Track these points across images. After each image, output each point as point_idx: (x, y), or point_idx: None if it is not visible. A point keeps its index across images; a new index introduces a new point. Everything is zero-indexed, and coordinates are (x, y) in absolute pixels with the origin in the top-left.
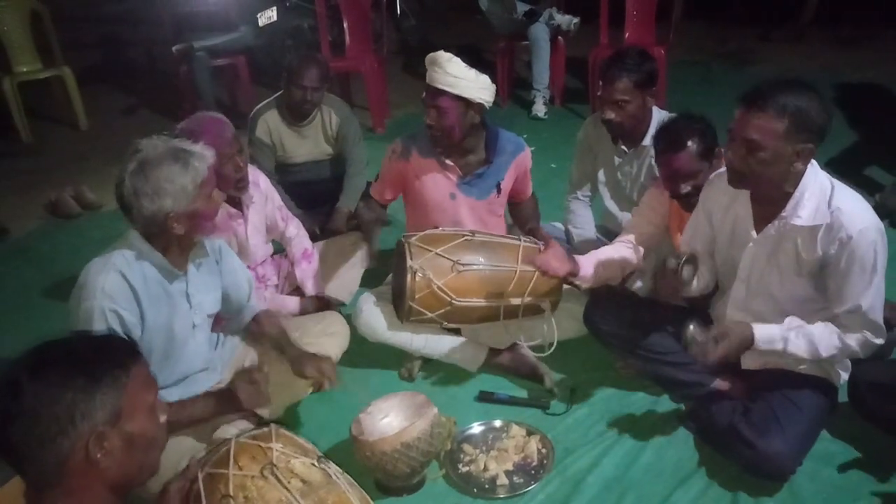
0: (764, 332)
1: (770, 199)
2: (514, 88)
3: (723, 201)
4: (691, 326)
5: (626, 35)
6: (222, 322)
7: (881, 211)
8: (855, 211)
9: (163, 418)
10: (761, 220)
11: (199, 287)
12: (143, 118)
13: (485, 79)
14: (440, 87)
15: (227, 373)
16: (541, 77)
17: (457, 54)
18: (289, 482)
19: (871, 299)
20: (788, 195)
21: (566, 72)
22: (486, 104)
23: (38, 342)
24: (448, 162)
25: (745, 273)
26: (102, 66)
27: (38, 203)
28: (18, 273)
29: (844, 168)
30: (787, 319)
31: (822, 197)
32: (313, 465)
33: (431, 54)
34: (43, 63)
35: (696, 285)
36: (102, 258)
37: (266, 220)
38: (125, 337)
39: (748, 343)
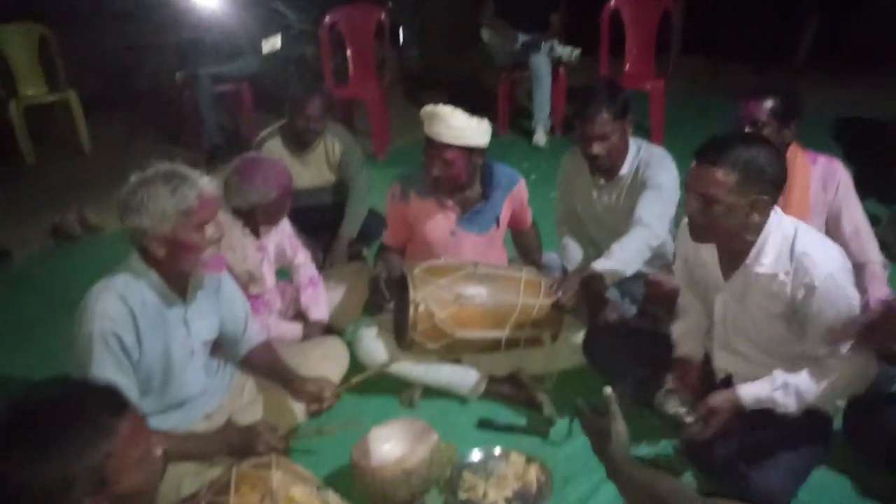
0: (750, 395)
1: (733, 248)
2: (514, 117)
3: (691, 248)
4: (677, 410)
5: (627, 67)
6: (219, 349)
7: (879, 244)
8: (818, 256)
9: (158, 452)
10: (728, 268)
11: (197, 313)
12: (146, 143)
13: (484, 123)
14: (446, 141)
15: (226, 398)
16: (542, 107)
17: (453, 97)
18: None
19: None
20: (751, 243)
21: (567, 102)
22: (486, 146)
23: (36, 371)
24: (447, 201)
25: (720, 318)
26: (106, 91)
27: (41, 227)
28: (20, 297)
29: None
30: (775, 374)
31: (784, 243)
32: (312, 493)
33: (429, 108)
34: (49, 88)
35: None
36: (104, 281)
37: (276, 250)
38: (114, 388)
39: (739, 408)
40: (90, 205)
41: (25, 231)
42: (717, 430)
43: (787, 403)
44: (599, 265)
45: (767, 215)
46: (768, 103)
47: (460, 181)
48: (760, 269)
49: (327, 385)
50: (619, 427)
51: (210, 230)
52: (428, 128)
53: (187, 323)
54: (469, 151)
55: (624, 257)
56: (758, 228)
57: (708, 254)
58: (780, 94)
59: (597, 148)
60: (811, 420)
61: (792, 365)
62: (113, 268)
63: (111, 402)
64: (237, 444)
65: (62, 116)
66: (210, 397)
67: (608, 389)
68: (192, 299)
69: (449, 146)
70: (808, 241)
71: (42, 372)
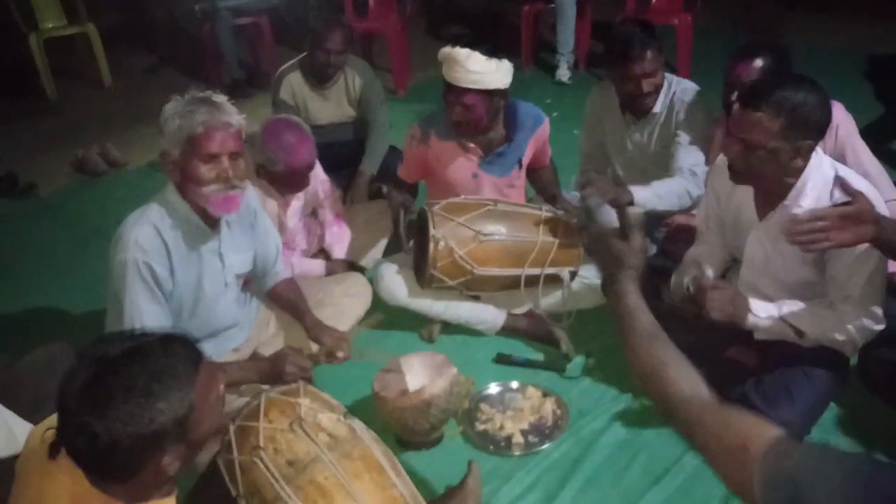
0: (761, 306)
1: (771, 189)
2: (537, 52)
3: (726, 186)
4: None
5: (654, 1)
6: (250, 283)
7: None
8: None
9: (223, 390)
10: (764, 207)
11: (232, 247)
12: (166, 77)
13: (505, 64)
14: (464, 85)
15: (253, 330)
16: (566, 41)
17: (474, 31)
18: (316, 436)
19: (868, 287)
20: (791, 185)
21: (591, 37)
22: (508, 87)
23: (63, 301)
24: (469, 144)
25: (749, 257)
26: (126, 24)
27: (64, 160)
28: (46, 230)
29: (870, 142)
30: (783, 302)
31: (825, 186)
32: (339, 420)
33: (446, 50)
34: (68, 20)
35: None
36: (138, 211)
37: (307, 196)
38: (186, 336)
39: (741, 307)
40: (112, 139)
41: (49, 165)
42: (705, 306)
43: (794, 314)
44: (637, 190)
45: (809, 159)
46: (758, 63)
47: (481, 125)
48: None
49: (343, 342)
50: (637, 258)
51: (214, 167)
52: (446, 72)
53: (222, 256)
54: (489, 94)
55: (662, 192)
56: (799, 171)
57: (744, 193)
58: (770, 54)
59: (647, 86)
60: (827, 359)
61: None
62: (137, 202)
63: (190, 352)
64: (266, 369)
65: (82, 50)
66: (239, 330)
67: (636, 209)
68: (225, 232)
69: (468, 90)
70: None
71: (69, 302)
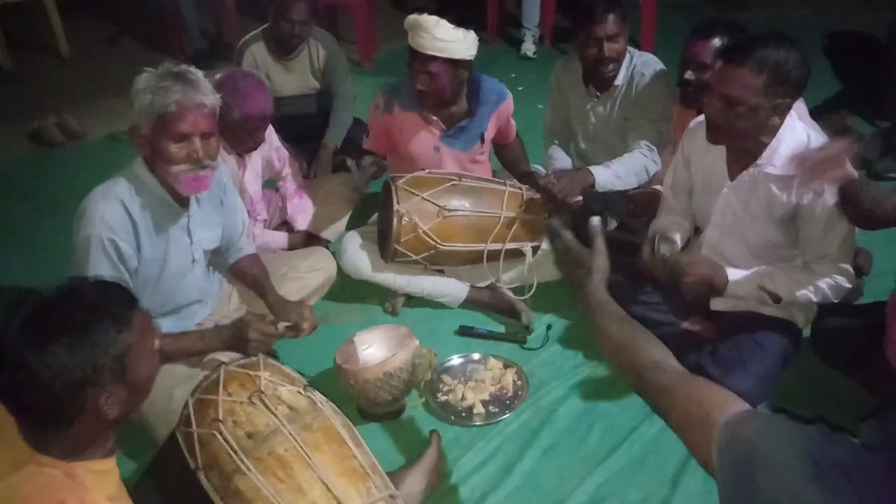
0: (737, 274)
1: (745, 149)
2: (503, 26)
3: (699, 148)
4: (658, 240)
5: None
6: (212, 256)
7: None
8: None
9: (157, 345)
10: (736, 167)
11: (201, 222)
12: (127, 47)
13: (471, 35)
14: (430, 52)
15: (216, 305)
16: (531, 15)
17: (440, 3)
18: (276, 408)
19: (843, 246)
20: (764, 145)
21: (557, 11)
22: (472, 58)
23: (23, 277)
24: (431, 116)
25: (717, 218)
26: None
27: (20, 132)
28: (4, 203)
29: (826, 117)
30: (757, 268)
31: (798, 147)
32: (299, 392)
33: (413, 17)
34: None
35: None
36: (105, 185)
37: (263, 162)
38: (120, 283)
39: (720, 274)
40: (71, 110)
41: (4, 136)
42: (683, 284)
43: (773, 284)
44: (598, 172)
45: (785, 118)
46: (715, 42)
47: (445, 95)
48: (772, 171)
49: (307, 313)
50: (602, 261)
51: (184, 146)
52: (412, 39)
53: (190, 232)
54: (454, 64)
55: (622, 172)
56: (774, 130)
57: (715, 154)
58: (728, 32)
59: (608, 50)
60: (779, 328)
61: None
62: (96, 174)
63: (125, 296)
64: (228, 336)
65: (37, 19)
66: (202, 305)
67: (595, 219)
68: (195, 209)
69: (433, 58)
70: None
71: (31, 274)
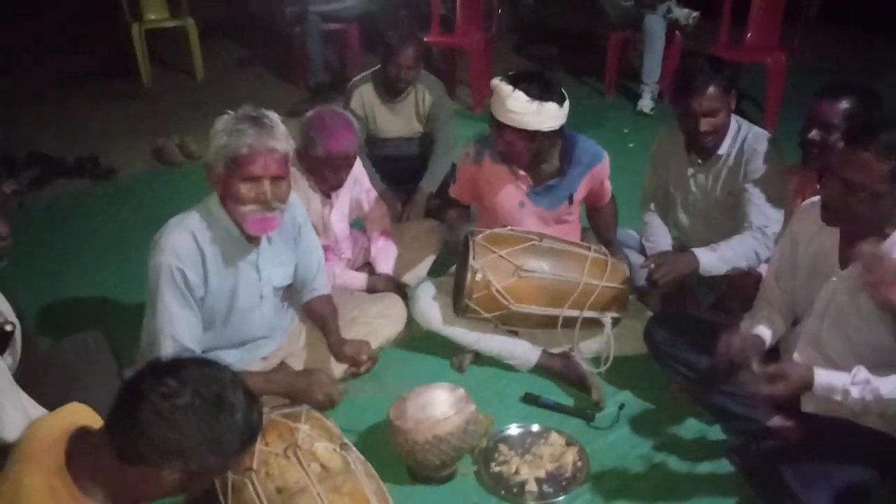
0: (825, 380)
1: (864, 238)
2: (622, 79)
3: (811, 229)
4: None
5: (748, 35)
6: (286, 291)
7: None
8: None
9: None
10: (849, 255)
11: (271, 259)
12: (255, 72)
13: (550, 107)
14: (502, 121)
15: (284, 340)
16: (651, 71)
17: (561, 52)
18: (308, 465)
19: None
20: (886, 236)
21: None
22: (555, 129)
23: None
24: (519, 171)
25: (821, 309)
26: (225, 20)
27: (146, 148)
28: (119, 213)
29: None
30: (855, 370)
31: None
32: (335, 450)
33: (494, 82)
34: (170, 13)
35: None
36: (180, 216)
37: (352, 202)
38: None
39: (807, 387)
40: (194, 131)
41: (132, 151)
42: (771, 395)
43: (859, 401)
44: (703, 255)
45: None
46: (843, 104)
47: (522, 161)
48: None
49: (365, 349)
50: None
51: (254, 188)
52: (492, 102)
53: (259, 268)
54: (531, 134)
55: (729, 256)
56: None
57: (828, 236)
58: (858, 95)
59: (704, 125)
60: (881, 448)
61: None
62: (203, 197)
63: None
64: (298, 387)
65: (180, 42)
66: (270, 340)
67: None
68: (265, 245)
69: (507, 126)
70: None
71: (125, 289)
